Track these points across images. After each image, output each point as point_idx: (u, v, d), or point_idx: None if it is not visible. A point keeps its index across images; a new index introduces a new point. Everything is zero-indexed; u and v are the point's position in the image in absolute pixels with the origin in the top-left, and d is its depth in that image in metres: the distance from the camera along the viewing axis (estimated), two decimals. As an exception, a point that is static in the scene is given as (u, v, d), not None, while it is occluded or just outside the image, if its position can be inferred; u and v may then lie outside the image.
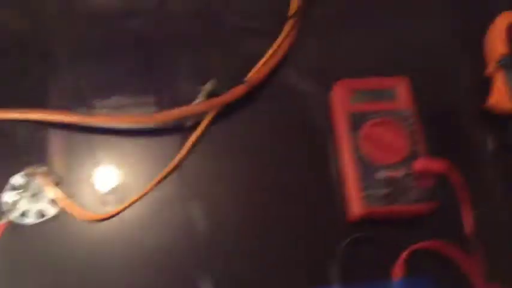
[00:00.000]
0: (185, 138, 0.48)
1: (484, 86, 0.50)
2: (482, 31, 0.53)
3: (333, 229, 0.45)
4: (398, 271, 0.43)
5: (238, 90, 0.48)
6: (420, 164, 0.44)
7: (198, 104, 0.48)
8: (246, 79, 0.49)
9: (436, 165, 0.44)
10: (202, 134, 0.48)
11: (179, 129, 0.49)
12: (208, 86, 0.49)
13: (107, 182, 0.47)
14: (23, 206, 0.45)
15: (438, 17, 0.55)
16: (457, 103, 0.51)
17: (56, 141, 0.48)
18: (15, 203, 0.45)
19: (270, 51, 0.50)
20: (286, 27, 0.51)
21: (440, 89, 0.51)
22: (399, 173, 0.45)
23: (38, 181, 0.46)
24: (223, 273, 0.44)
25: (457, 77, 0.52)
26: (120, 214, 0.46)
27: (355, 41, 0.54)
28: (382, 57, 0.53)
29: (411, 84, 0.49)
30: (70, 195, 0.46)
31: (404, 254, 0.43)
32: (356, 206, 0.44)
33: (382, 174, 0.45)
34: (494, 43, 0.50)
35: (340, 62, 0.53)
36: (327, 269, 0.43)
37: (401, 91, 0.48)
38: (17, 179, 0.46)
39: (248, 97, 0.50)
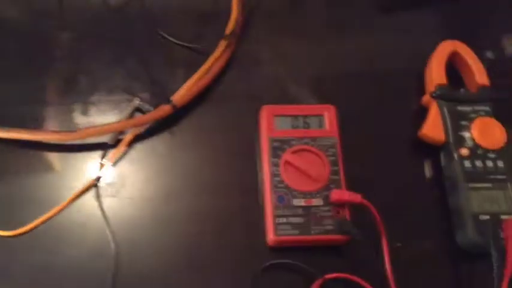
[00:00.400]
0: (106, 156, 0.47)
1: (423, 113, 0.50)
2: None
3: (252, 254, 0.45)
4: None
5: (163, 110, 0.48)
6: (335, 194, 0.44)
7: (121, 121, 0.47)
8: (172, 98, 0.49)
9: (351, 196, 0.44)
10: (124, 152, 0.48)
11: (101, 145, 0.48)
12: (133, 104, 0.49)
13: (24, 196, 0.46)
14: None
15: (381, 38, 0.56)
16: (394, 131, 0.51)
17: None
18: None
19: (200, 71, 0.50)
20: (219, 48, 0.51)
21: (378, 116, 0.52)
22: (315, 202, 0.45)
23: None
24: None
25: (397, 104, 0.52)
26: (35, 229, 0.45)
27: (290, 66, 0.54)
28: (317, 83, 0.53)
29: (340, 111, 0.49)
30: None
31: (317, 283, 0.43)
32: (270, 233, 0.44)
33: (299, 202, 0.45)
34: (432, 72, 0.51)
35: (272, 87, 0.53)
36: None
37: (327, 119, 0.49)
38: None
39: (173, 117, 0.49)
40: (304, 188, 0.45)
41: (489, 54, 0.55)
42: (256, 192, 0.47)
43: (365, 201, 0.43)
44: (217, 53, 0.51)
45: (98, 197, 0.46)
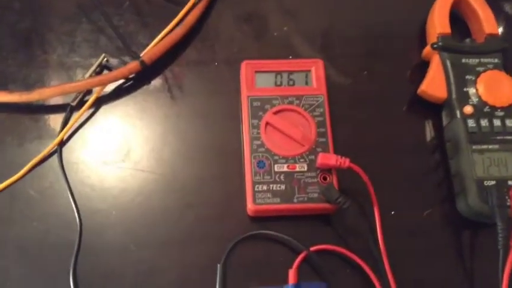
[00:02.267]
0: (69, 118, 0.43)
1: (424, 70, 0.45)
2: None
3: (232, 225, 0.41)
4: (292, 274, 0.38)
5: (130, 67, 0.43)
6: (321, 158, 0.39)
7: (83, 80, 0.42)
8: (141, 55, 0.44)
9: (339, 161, 0.39)
10: (89, 114, 0.43)
11: (64, 107, 0.43)
12: (98, 61, 0.44)
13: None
14: None
15: None
16: (391, 88, 0.46)
17: None
18: None
19: (171, 25, 0.45)
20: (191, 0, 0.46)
21: (377, 72, 0.47)
22: (299, 168, 0.40)
23: None
24: (127, 258, 0.39)
25: (396, 59, 0.47)
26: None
27: (277, 17, 0.48)
28: (305, 35, 0.48)
29: (329, 67, 0.44)
30: None
31: (301, 256, 0.39)
32: (249, 201, 0.40)
33: (281, 167, 0.40)
34: (435, 20, 0.45)
35: (254, 40, 0.47)
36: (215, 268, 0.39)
37: (314, 75, 0.43)
38: None
39: (143, 75, 0.44)
40: (287, 152, 0.41)
41: (507, 8, 0.49)
42: (240, 158, 0.42)
43: (354, 166, 0.39)
44: (191, 2, 0.46)
45: (61, 163, 0.42)
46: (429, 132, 0.44)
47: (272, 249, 0.40)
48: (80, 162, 0.42)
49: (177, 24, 0.45)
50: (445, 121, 0.43)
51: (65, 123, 0.43)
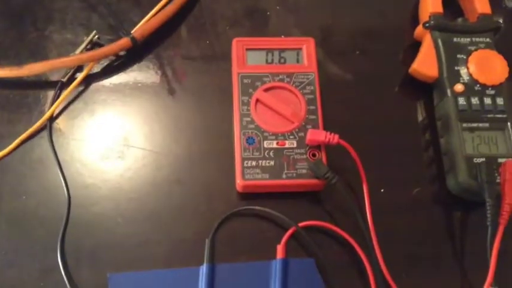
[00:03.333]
0: (59, 93, 0.43)
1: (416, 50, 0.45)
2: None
3: (221, 200, 0.40)
4: (281, 249, 0.38)
5: (121, 44, 0.43)
6: (311, 134, 0.39)
7: (73, 55, 0.42)
8: (132, 32, 0.44)
9: (328, 137, 0.39)
10: (80, 91, 0.43)
11: (54, 83, 0.43)
12: (89, 37, 0.44)
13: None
14: None
15: None
16: (382, 67, 0.46)
17: None
18: None
19: (162, 2, 0.45)
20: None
21: (369, 52, 0.46)
22: (289, 144, 0.40)
23: None
24: (115, 232, 0.39)
25: (387, 38, 0.47)
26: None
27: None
28: (296, 14, 0.48)
29: (320, 45, 0.44)
30: None
31: (289, 232, 0.39)
32: (238, 177, 0.39)
33: (271, 144, 0.40)
34: (427, 1, 0.45)
35: (246, 19, 0.47)
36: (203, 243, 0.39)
37: (305, 53, 0.43)
38: None
39: (134, 52, 0.44)
40: (276, 129, 0.41)
41: (509, 3, 0.49)
42: (231, 136, 0.42)
43: (343, 142, 0.39)
44: (182, -19, 0.46)
45: (50, 138, 0.42)
46: (420, 111, 0.44)
47: (261, 225, 0.40)
48: (70, 138, 0.42)
49: (169, 2, 0.45)
50: (436, 100, 0.43)
51: (55, 98, 0.43)
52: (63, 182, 0.40)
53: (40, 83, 0.44)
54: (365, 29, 0.48)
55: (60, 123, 0.43)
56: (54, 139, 0.42)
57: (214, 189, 0.41)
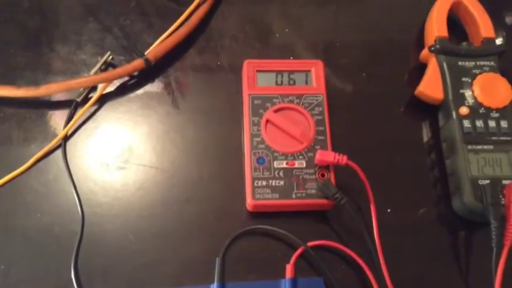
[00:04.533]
0: (74, 113, 0.44)
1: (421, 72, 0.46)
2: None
3: (231, 219, 0.41)
4: (290, 269, 0.39)
5: (135, 65, 0.44)
6: (320, 155, 0.40)
7: (88, 76, 0.43)
8: (146, 53, 0.45)
9: (336, 158, 0.40)
10: (94, 111, 0.44)
11: (69, 103, 0.45)
12: (104, 58, 0.45)
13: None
14: None
15: None
16: (389, 89, 0.47)
17: None
18: None
19: (175, 25, 0.46)
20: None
21: (376, 74, 0.48)
22: (298, 164, 0.41)
23: None
24: (127, 250, 0.40)
25: (394, 60, 0.48)
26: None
27: (279, 17, 0.50)
28: (306, 36, 0.49)
29: (329, 67, 0.45)
30: None
31: (299, 251, 0.39)
32: (248, 196, 0.40)
33: (281, 164, 0.41)
34: (432, 24, 0.46)
35: (257, 41, 0.48)
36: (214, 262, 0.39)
37: (314, 75, 0.44)
38: None
39: (147, 72, 0.45)
40: (286, 149, 0.42)
41: (508, 20, 0.50)
42: (241, 156, 0.43)
43: (351, 163, 0.40)
44: (195, 3, 0.47)
45: (65, 157, 0.43)
46: (426, 132, 0.45)
47: (270, 244, 0.40)
48: (84, 157, 0.43)
49: (182, 24, 0.46)
50: (441, 122, 0.44)
51: (69, 118, 0.44)
52: (77, 200, 0.41)
53: (55, 103, 0.45)
54: (371, 51, 0.49)
55: (74, 142, 0.44)
56: (68, 158, 0.43)
57: (224, 208, 0.42)
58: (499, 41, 0.45)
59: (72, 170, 0.42)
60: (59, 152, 0.43)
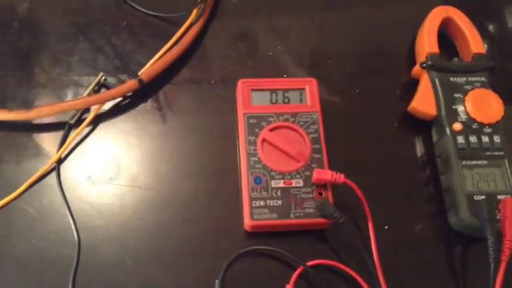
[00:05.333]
0: (67, 135, 0.43)
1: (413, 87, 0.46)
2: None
3: (229, 240, 0.41)
4: (290, 289, 0.39)
5: (128, 85, 0.44)
6: (317, 174, 0.40)
7: (81, 98, 0.43)
8: (139, 73, 0.44)
9: (334, 176, 0.40)
10: (88, 132, 0.44)
11: (62, 125, 0.44)
12: (96, 79, 0.45)
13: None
14: None
15: (370, 6, 0.52)
16: (382, 106, 0.47)
17: None
18: None
19: (168, 44, 0.46)
20: (191, 17, 0.47)
21: (368, 90, 0.48)
22: (296, 183, 0.41)
23: None
24: (125, 274, 0.40)
25: (386, 77, 0.49)
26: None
27: (272, 38, 0.50)
28: (299, 55, 0.49)
29: (322, 85, 0.45)
30: None
31: (298, 271, 0.39)
32: (246, 217, 0.40)
33: (278, 183, 0.41)
34: (423, 40, 0.47)
35: (249, 59, 0.48)
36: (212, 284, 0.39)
37: (309, 93, 0.45)
38: None
39: (140, 92, 0.45)
40: (283, 168, 0.42)
41: (493, 28, 0.51)
42: (236, 174, 0.43)
43: (349, 181, 0.40)
44: (188, 22, 0.47)
45: (59, 180, 0.42)
46: (420, 148, 0.46)
47: (269, 264, 0.40)
48: (78, 180, 0.43)
49: (175, 44, 0.46)
50: (435, 137, 0.45)
51: (63, 141, 0.43)
52: (72, 224, 0.40)
53: (48, 125, 0.44)
54: (363, 67, 0.49)
55: (68, 165, 0.43)
56: (62, 181, 0.42)
57: (221, 228, 0.42)
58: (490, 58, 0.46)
59: (67, 193, 0.42)
60: (53, 175, 0.42)
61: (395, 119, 0.47)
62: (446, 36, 0.49)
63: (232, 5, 0.51)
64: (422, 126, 0.46)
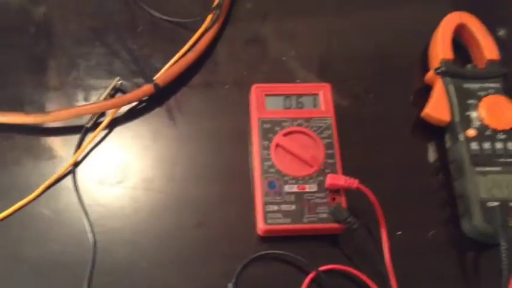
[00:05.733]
0: (83, 139, 0.44)
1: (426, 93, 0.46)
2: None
3: (242, 244, 0.41)
4: (302, 295, 0.39)
5: (144, 90, 0.44)
6: (330, 179, 0.41)
7: (97, 102, 0.43)
8: (154, 78, 0.45)
9: (347, 182, 0.40)
10: (104, 136, 0.45)
11: (79, 129, 0.45)
12: (112, 83, 0.45)
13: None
14: None
15: (384, 11, 0.52)
16: (396, 111, 0.47)
17: None
18: None
19: (184, 49, 0.46)
20: (206, 23, 0.47)
21: (381, 96, 0.48)
22: (309, 188, 0.41)
23: None
24: (140, 277, 0.40)
25: (399, 83, 0.49)
26: (8, 218, 0.42)
27: (286, 43, 0.50)
28: (314, 61, 0.49)
29: (336, 90, 0.46)
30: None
31: (311, 276, 0.40)
32: (260, 221, 0.41)
33: (291, 188, 0.41)
34: (437, 46, 0.47)
35: (265, 65, 0.49)
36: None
37: (322, 98, 0.45)
38: None
39: (157, 98, 0.46)
40: (296, 173, 0.42)
41: (505, 34, 0.51)
42: (249, 179, 0.43)
43: (362, 187, 0.40)
44: (203, 28, 0.47)
45: (75, 183, 0.43)
46: (433, 154, 0.46)
47: (282, 268, 0.41)
48: (94, 183, 0.43)
49: (190, 49, 0.46)
50: (448, 143, 0.45)
51: (79, 144, 0.44)
52: (88, 227, 0.41)
53: (64, 129, 0.45)
54: (377, 72, 0.49)
55: (84, 168, 0.44)
56: (78, 184, 0.43)
57: (234, 232, 0.42)
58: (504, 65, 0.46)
59: (83, 196, 0.42)
60: (69, 178, 0.43)
61: (409, 125, 0.47)
62: (460, 43, 0.49)
63: (245, 10, 0.51)
64: (436, 132, 0.46)
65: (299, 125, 0.44)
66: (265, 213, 0.40)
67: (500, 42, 0.47)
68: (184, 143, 0.45)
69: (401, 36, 0.51)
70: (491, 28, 0.48)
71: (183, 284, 0.40)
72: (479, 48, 0.47)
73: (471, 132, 0.43)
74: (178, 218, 0.42)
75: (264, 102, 0.44)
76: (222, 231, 0.42)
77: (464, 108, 0.44)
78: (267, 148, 0.43)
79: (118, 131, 0.45)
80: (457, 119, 0.44)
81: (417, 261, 0.41)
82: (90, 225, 0.41)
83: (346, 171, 0.42)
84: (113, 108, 0.44)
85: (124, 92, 0.45)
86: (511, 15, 0.52)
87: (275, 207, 0.41)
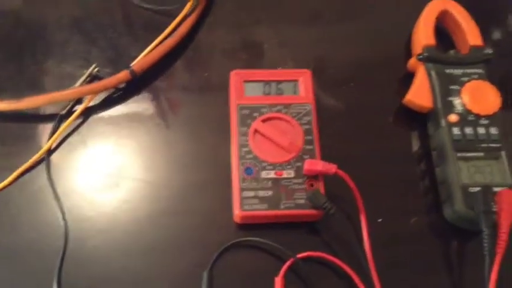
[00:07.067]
0: (58, 126, 0.43)
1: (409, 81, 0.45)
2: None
3: (218, 231, 0.40)
4: (279, 281, 0.38)
5: (120, 77, 0.43)
6: (308, 164, 0.40)
7: (72, 88, 0.43)
8: (131, 65, 0.44)
9: (325, 167, 0.39)
10: (79, 123, 0.44)
11: (54, 116, 0.44)
12: (89, 70, 0.44)
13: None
14: None
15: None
16: (377, 98, 0.47)
17: None
18: None
19: (162, 36, 0.45)
20: (185, 10, 0.47)
21: (363, 83, 0.47)
22: (286, 174, 0.40)
23: None
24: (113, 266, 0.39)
25: (381, 69, 0.48)
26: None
27: (266, 29, 0.49)
28: (293, 46, 0.49)
29: (316, 77, 0.45)
30: None
31: (288, 263, 0.38)
32: (236, 208, 0.40)
33: (269, 174, 0.40)
34: (419, 32, 0.46)
35: (244, 51, 0.48)
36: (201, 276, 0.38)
37: (302, 84, 0.44)
38: None
39: (132, 84, 0.45)
40: (274, 159, 0.41)
41: (490, 20, 0.51)
42: (229, 167, 0.42)
43: (341, 172, 0.39)
44: (182, 14, 0.46)
45: (48, 171, 0.42)
46: (415, 141, 0.45)
47: (259, 256, 0.40)
48: (68, 171, 0.42)
49: (169, 35, 0.46)
50: (430, 130, 0.44)
51: (53, 131, 0.43)
52: (60, 215, 0.40)
53: (39, 116, 0.44)
54: (358, 60, 0.48)
55: (58, 156, 0.43)
56: (52, 172, 0.42)
57: (212, 220, 0.41)
58: (487, 50, 0.45)
59: (56, 184, 0.42)
60: (42, 165, 0.42)
61: (391, 112, 0.46)
62: (443, 30, 0.48)
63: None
64: (418, 119, 0.45)
65: (278, 111, 0.43)
66: (242, 199, 0.39)
67: (484, 29, 0.46)
68: (163, 130, 0.44)
69: (384, 23, 0.50)
70: (476, 14, 0.47)
71: (158, 272, 0.39)
72: (462, 33, 0.46)
73: (453, 118, 0.42)
74: (155, 207, 0.41)
75: (243, 88, 0.44)
76: (199, 220, 0.41)
77: (447, 93, 0.43)
78: (245, 134, 0.42)
79: (94, 119, 0.45)
80: (439, 105, 0.43)
81: (398, 248, 0.40)
82: (63, 213, 0.40)
83: (326, 159, 0.41)
84: (89, 95, 0.43)
85: (101, 79, 0.45)
86: (494, 1, 0.52)
87: (252, 193, 0.40)
